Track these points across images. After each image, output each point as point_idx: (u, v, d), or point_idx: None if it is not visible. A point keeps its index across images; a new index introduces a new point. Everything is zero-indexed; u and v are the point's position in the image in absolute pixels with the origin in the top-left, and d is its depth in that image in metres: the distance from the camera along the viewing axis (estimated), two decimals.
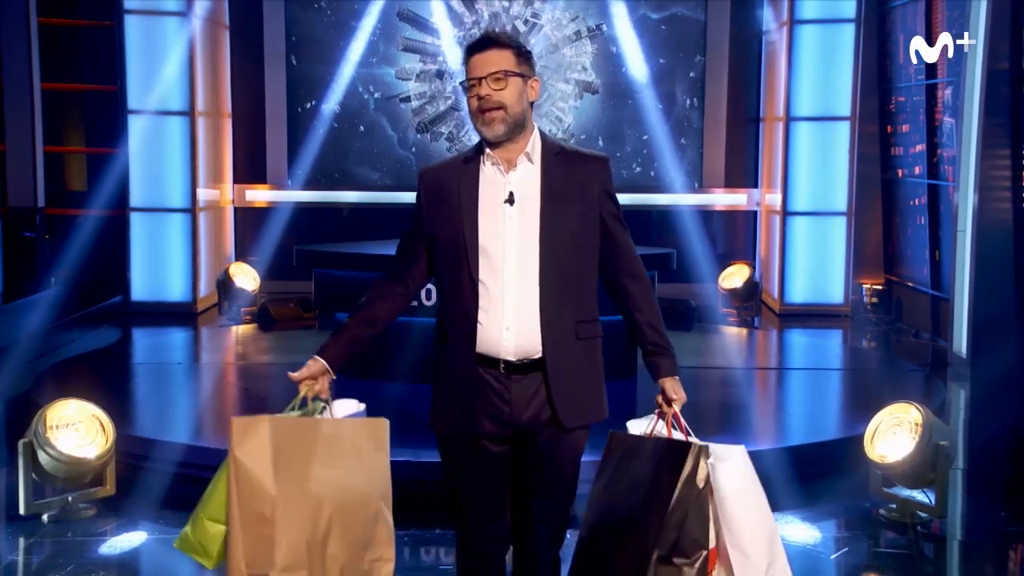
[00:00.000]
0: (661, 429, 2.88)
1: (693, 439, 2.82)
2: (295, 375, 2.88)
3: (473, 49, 2.88)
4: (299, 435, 2.72)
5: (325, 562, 2.69)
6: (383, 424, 2.81)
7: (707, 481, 2.75)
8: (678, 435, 2.87)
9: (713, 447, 2.78)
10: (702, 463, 2.75)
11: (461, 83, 2.93)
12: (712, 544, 2.75)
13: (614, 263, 2.96)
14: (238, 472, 2.67)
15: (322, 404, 2.85)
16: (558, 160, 2.91)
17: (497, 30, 2.99)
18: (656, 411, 2.92)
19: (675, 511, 2.74)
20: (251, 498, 2.66)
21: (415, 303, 5.90)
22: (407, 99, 10.58)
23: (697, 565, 2.73)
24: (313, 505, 2.69)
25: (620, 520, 2.82)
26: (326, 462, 2.72)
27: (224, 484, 2.73)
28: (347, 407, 2.89)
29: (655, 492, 2.77)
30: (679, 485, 2.74)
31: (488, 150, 2.90)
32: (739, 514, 2.74)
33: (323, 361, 2.91)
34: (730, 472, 2.77)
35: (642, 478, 2.81)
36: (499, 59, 2.85)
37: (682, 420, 2.86)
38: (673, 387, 2.91)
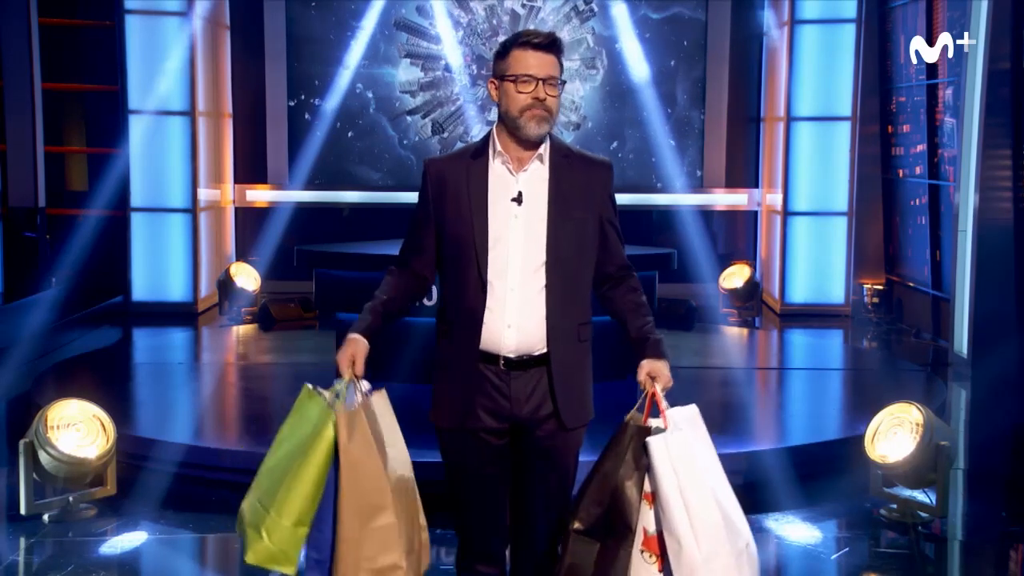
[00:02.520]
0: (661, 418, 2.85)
1: (668, 421, 2.77)
2: (339, 360, 2.83)
3: (533, 45, 2.84)
4: (372, 420, 2.74)
5: (415, 535, 2.77)
6: (385, 394, 2.86)
7: (640, 462, 2.71)
8: (655, 420, 2.82)
9: (667, 433, 2.72)
10: (634, 441, 2.72)
11: (503, 76, 2.86)
12: (654, 529, 2.71)
13: (607, 263, 2.98)
14: (354, 467, 2.64)
15: (347, 383, 2.80)
16: (566, 163, 2.92)
17: (550, 31, 2.92)
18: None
19: (600, 485, 2.74)
20: (368, 491, 2.65)
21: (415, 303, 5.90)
22: (414, 111, 10.57)
23: (625, 547, 2.70)
24: (404, 484, 2.73)
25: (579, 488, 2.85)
26: (388, 441, 2.76)
27: (309, 483, 2.67)
28: (363, 385, 2.88)
29: (594, 465, 2.79)
30: (606, 459, 2.75)
31: (499, 147, 2.90)
32: (673, 499, 2.68)
33: (359, 338, 2.88)
34: (670, 455, 2.70)
35: (602, 452, 2.83)
36: (555, 64, 2.86)
37: (661, 402, 2.80)
38: (652, 367, 2.87)
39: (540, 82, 2.82)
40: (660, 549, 2.71)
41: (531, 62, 2.83)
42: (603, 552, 2.74)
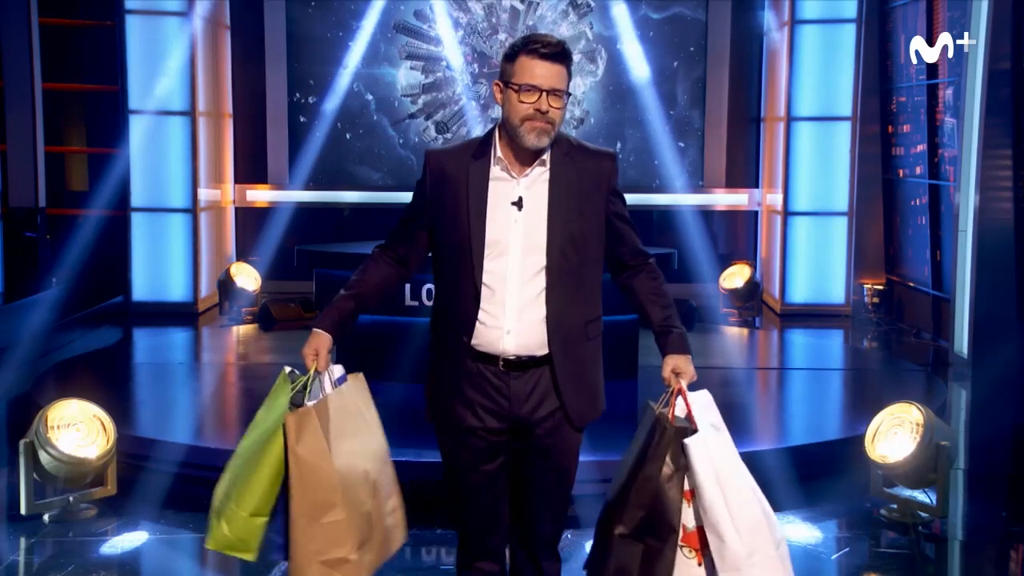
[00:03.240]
0: (679, 404, 2.85)
1: (694, 418, 2.79)
2: (304, 353, 2.87)
3: (541, 55, 2.79)
4: (327, 416, 2.77)
5: (375, 525, 2.81)
6: (362, 378, 2.91)
7: (679, 463, 2.73)
8: (680, 413, 2.83)
9: (705, 433, 2.75)
10: (673, 443, 2.74)
11: (507, 82, 2.83)
12: (693, 525, 2.74)
13: (622, 255, 2.97)
14: (300, 467, 2.71)
15: (312, 375, 2.85)
16: (567, 159, 2.90)
17: (560, 40, 2.85)
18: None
19: (640, 489, 2.75)
20: (316, 489, 2.71)
21: (415, 303, 5.91)
22: (416, 115, 10.57)
23: (670, 545, 2.73)
24: (362, 478, 2.77)
25: (613, 492, 2.86)
26: (351, 433, 2.80)
27: (264, 477, 2.75)
28: (334, 372, 2.92)
29: (631, 468, 2.81)
30: (645, 463, 2.76)
31: (499, 152, 2.88)
32: (715, 497, 2.71)
33: (323, 332, 2.90)
34: (709, 455, 2.73)
35: (631, 453, 2.85)
36: (563, 75, 2.81)
37: (688, 397, 2.82)
38: (676, 363, 2.89)
39: (544, 93, 2.78)
40: (700, 543, 2.75)
41: (537, 72, 2.78)
42: (647, 552, 2.76)
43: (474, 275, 2.83)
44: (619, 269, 3.01)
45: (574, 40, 10.44)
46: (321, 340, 2.88)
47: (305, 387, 2.81)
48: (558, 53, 2.80)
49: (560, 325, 2.85)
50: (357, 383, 2.90)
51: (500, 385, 2.87)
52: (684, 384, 2.85)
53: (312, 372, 2.84)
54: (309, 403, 2.78)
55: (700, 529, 2.74)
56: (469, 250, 2.84)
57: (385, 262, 3.01)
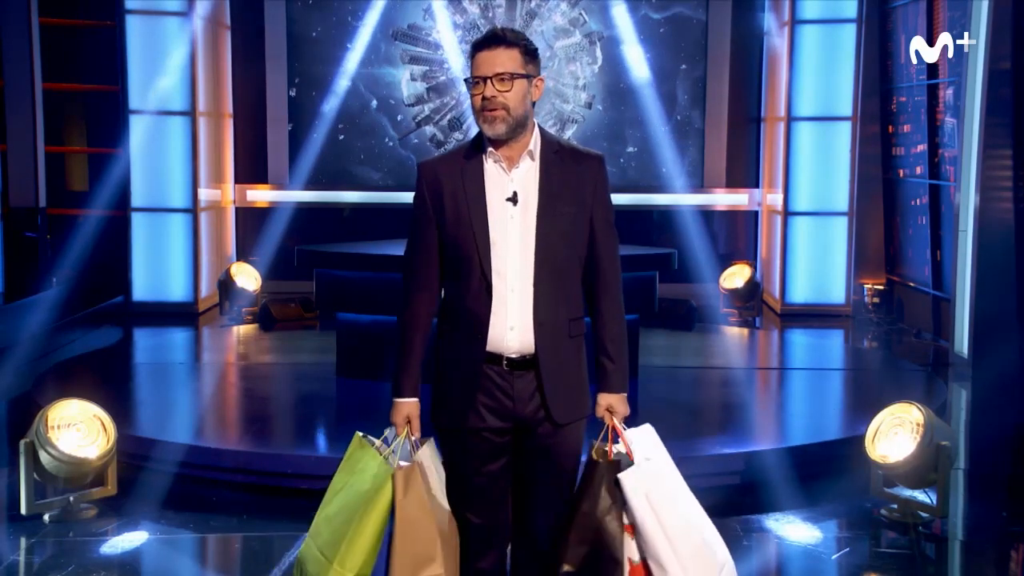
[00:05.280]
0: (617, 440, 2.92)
1: (632, 452, 2.85)
2: (396, 422, 2.95)
3: (480, 47, 2.87)
4: (424, 475, 2.89)
5: None
6: (432, 441, 3.01)
7: (615, 496, 2.79)
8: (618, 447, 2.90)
9: (636, 467, 2.79)
10: (607, 478, 2.80)
11: (466, 80, 2.92)
12: (638, 558, 2.80)
13: (591, 269, 2.97)
14: (405, 520, 2.81)
15: (402, 441, 2.95)
16: (556, 158, 2.93)
17: (503, 27, 2.95)
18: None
19: (581, 526, 2.82)
20: (417, 542, 2.81)
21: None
22: (423, 122, 10.56)
23: None
24: (451, 533, 2.90)
25: (557, 531, 2.92)
26: (435, 490, 2.92)
27: (370, 536, 2.83)
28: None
29: (572, 506, 2.88)
30: (584, 499, 2.83)
31: (490, 147, 2.91)
32: (653, 529, 2.76)
33: (410, 400, 2.96)
34: (643, 488, 2.78)
35: (576, 493, 2.92)
36: (505, 59, 2.84)
37: (622, 434, 2.88)
38: (609, 401, 2.94)
39: (487, 80, 2.82)
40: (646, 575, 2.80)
41: (478, 63, 2.85)
42: None
43: (483, 270, 2.86)
44: (587, 279, 3.00)
45: (569, 29, 10.42)
46: (411, 408, 2.95)
47: (396, 451, 2.90)
48: (491, 38, 2.86)
49: (546, 323, 2.87)
50: (430, 447, 2.99)
51: (504, 385, 2.88)
52: (617, 421, 2.91)
53: (403, 437, 2.92)
54: (402, 463, 2.88)
55: (645, 562, 2.79)
56: (475, 247, 2.86)
57: (421, 299, 2.98)
